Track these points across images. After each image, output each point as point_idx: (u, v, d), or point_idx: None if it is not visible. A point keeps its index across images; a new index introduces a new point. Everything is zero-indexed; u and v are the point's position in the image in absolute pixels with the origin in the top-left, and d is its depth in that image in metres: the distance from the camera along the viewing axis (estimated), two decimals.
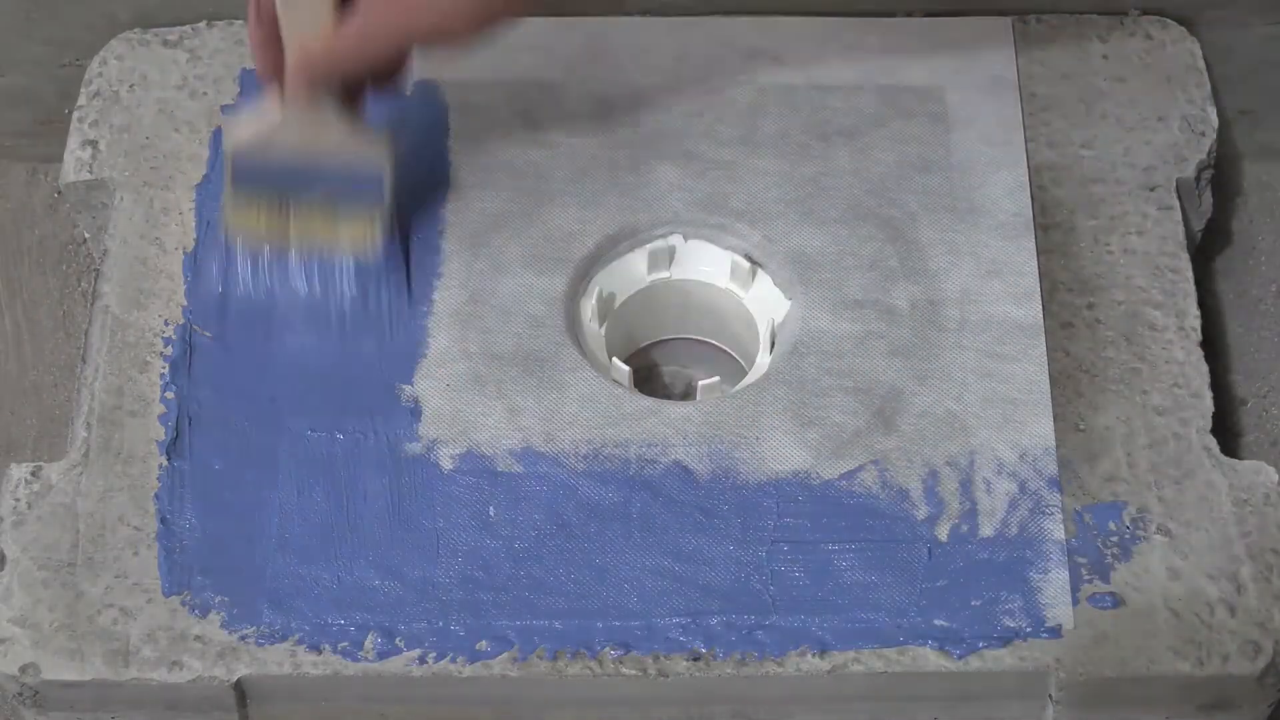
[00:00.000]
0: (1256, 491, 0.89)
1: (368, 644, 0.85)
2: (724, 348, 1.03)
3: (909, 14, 1.05)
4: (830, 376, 0.92)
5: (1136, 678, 0.84)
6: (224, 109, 1.01)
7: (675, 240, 0.98)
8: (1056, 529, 0.87)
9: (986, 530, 0.88)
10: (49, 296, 1.10)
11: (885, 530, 0.88)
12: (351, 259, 0.95)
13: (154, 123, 1.02)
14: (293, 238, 0.94)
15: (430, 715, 0.87)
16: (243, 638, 0.85)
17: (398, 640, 0.85)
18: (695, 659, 0.85)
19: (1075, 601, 0.86)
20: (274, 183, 0.93)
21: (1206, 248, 1.07)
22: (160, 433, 0.91)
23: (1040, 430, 0.90)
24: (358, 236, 0.94)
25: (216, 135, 1.00)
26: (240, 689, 0.85)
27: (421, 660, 0.85)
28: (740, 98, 1.02)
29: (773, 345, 0.96)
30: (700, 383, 0.97)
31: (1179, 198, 0.98)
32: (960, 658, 0.84)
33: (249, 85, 1.02)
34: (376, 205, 0.94)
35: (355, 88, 0.91)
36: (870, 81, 1.02)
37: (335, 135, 0.91)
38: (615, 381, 0.94)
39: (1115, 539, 0.87)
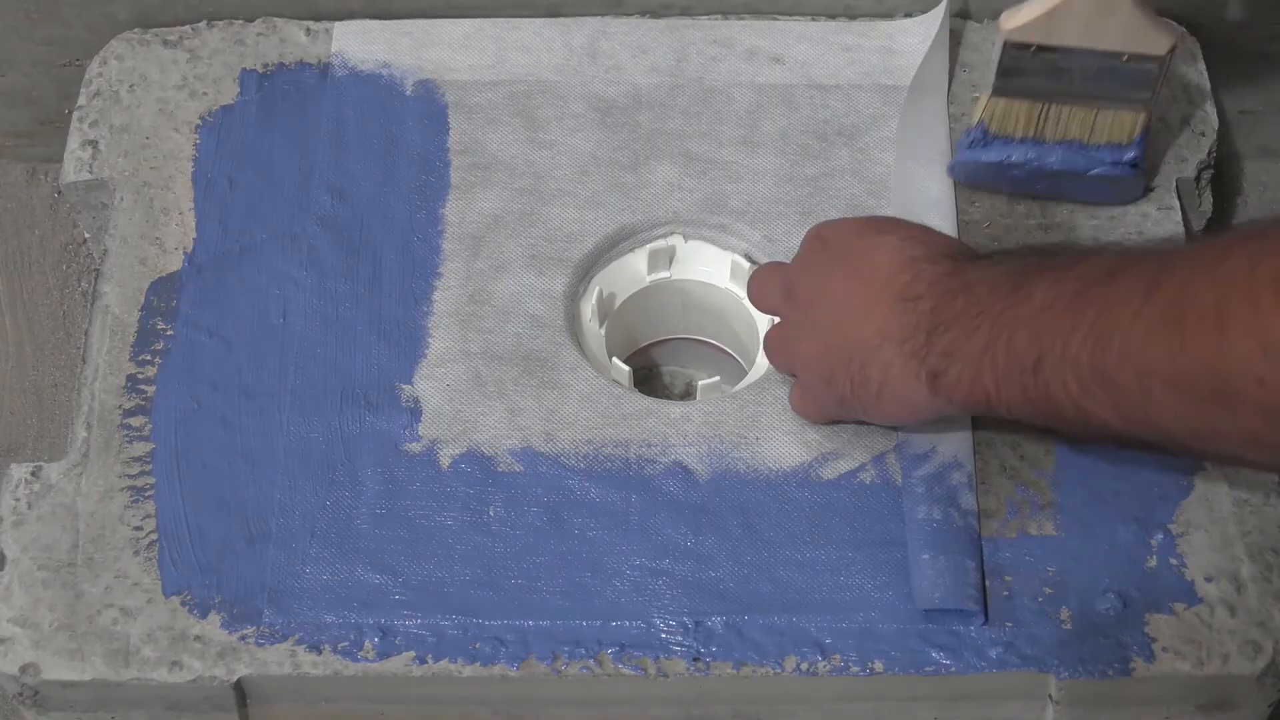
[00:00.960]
0: (1256, 491, 0.89)
1: (368, 644, 0.85)
2: (724, 348, 1.03)
3: (908, 15, 1.05)
4: None
5: (1136, 678, 0.84)
6: None
7: (675, 240, 0.98)
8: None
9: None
10: (49, 296, 1.10)
11: (885, 530, 0.88)
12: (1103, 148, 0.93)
13: (154, 123, 1.02)
14: (1046, 133, 0.93)
15: (430, 715, 0.87)
16: (243, 638, 0.85)
17: (397, 640, 0.85)
18: (695, 659, 0.85)
19: (1076, 601, 0.85)
20: (1044, 75, 0.91)
21: None
22: (160, 433, 0.91)
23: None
24: (1115, 134, 0.93)
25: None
26: (240, 689, 0.85)
27: (421, 660, 0.85)
28: (740, 98, 1.02)
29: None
30: (700, 383, 0.97)
31: (1179, 198, 0.98)
32: (960, 658, 0.84)
33: (248, 85, 1.03)
34: (1143, 102, 0.92)
35: None
36: (870, 81, 1.02)
37: (1122, 23, 0.88)
38: (615, 381, 0.94)
39: (1116, 539, 0.87)
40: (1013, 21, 0.90)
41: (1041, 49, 0.90)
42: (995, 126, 0.94)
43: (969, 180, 0.96)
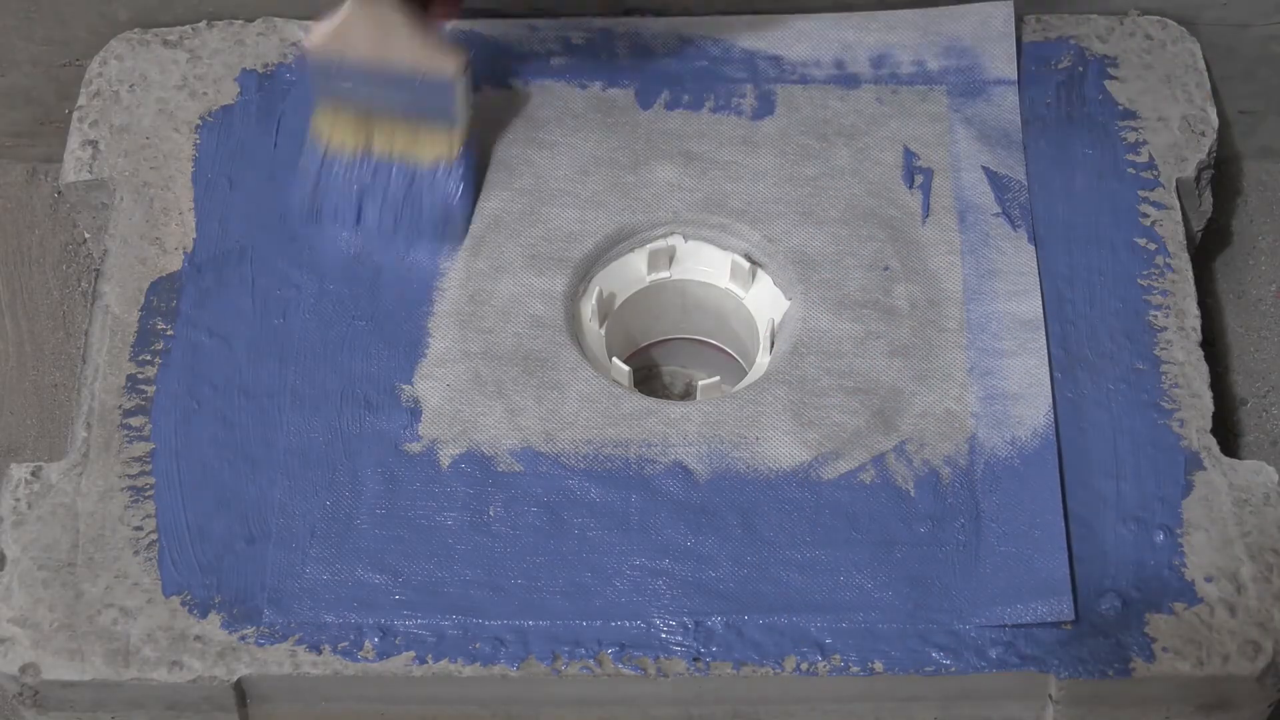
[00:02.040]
0: (1256, 491, 0.89)
1: (368, 644, 0.85)
2: (724, 348, 1.03)
3: None
4: (830, 376, 0.92)
5: (1136, 678, 0.84)
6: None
7: (675, 240, 0.98)
8: (1057, 528, 0.87)
9: (986, 530, 0.88)
10: (49, 296, 1.10)
11: (884, 530, 0.88)
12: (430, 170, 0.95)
13: (154, 123, 1.02)
14: (375, 148, 0.95)
15: (430, 715, 0.87)
16: (243, 638, 0.85)
17: (397, 640, 0.85)
18: (695, 659, 0.85)
19: (1075, 601, 0.86)
20: (348, 87, 0.93)
21: (1206, 248, 1.07)
22: (160, 433, 0.91)
23: (1041, 429, 0.90)
24: (438, 152, 0.95)
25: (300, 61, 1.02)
26: (240, 689, 0.85)
27: (421, 660, 0.85)
28: (740, 98, 1.02)
29: (773, 345, 0.96)
30: (700, 383, 0.97)
31: (1179, 198, 0.98)
32: (960, 658, 0.84)
33: (249, 85, 1.03)
34: (450, 118, 0.95)
35: None
36: (870, 81, 1.02)
37: (404, 40, 0.91)
38: (615, 381, 0.94)
39: (1115, 539, 0.87)
40: (312, 36, 0.93)
41: (339, 64, 0.93)
42: (326, 138, 0.96)
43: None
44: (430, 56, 0.92)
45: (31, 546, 0.88)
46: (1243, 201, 1.12)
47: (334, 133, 0.95)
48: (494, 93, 1.02)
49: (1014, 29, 1.02)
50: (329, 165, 0.96)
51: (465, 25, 1.05)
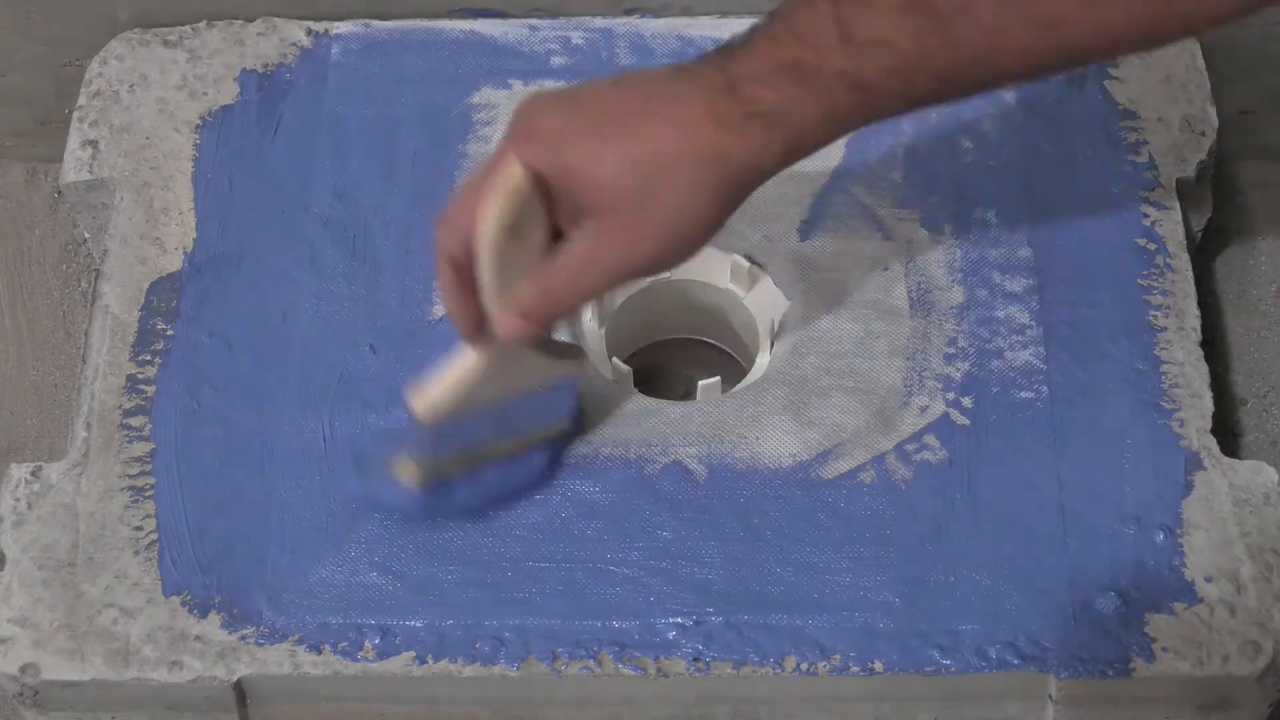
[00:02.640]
0: (1256, 491, 0.89)
1: (368, 644, 0.85)
2: (724, 348, 1.02)
3: None
4: (830, 376, 0.92)
5: (1136, 678, 0.84)
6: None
7: None
8: (1057, 528, 0.87)
9: (987, 530, 0.87)
10: (49, 296, 1.10)
11: (885, 530, 0.88)
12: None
13: (154, 123, 1.02)
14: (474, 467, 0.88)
15: (430, 715, 0.87)
16: (243, 638, 0.85)
17: (397, 640, 0.85)
18: (695, 659, 0.85)
19: (1075, 601, 0.85)
20: (469, 437, 0.86)
21: (1206, 248, 1.07)
22: (160, 433, 0.91)
23: (1041, 429, 0.90)
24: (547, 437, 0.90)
25: None
26: (240, 689, 0.85)
27: (421, 660, 0.85)
28: None
29: (773, 345, 0.96)
30: (700, 383, 0.97)
31: (1179, 198, 0.98)
32: (960, 658, 0.84)
33: (248, 85, 1.03)
34: (566, 419, 0.90)
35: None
36: None
37: (537, 371, 0.85)
38: (615, 381, 0.94)
39: (1115, 539, 0.87)
40: (422, 402, 0.84)
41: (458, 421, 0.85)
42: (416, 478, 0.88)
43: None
44: (559, 371, 0.86)
45: (31, 546, 0.88)
46: (1243, 201, 1.12)
47: (428, 475, 0.87)
48: (494, 93, 1.02)
49: None
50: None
51: (465, 25, 1.05)
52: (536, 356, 0.85)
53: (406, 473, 0.87)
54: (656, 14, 1.05)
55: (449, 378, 0.84)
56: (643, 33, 1.04)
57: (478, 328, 0.82)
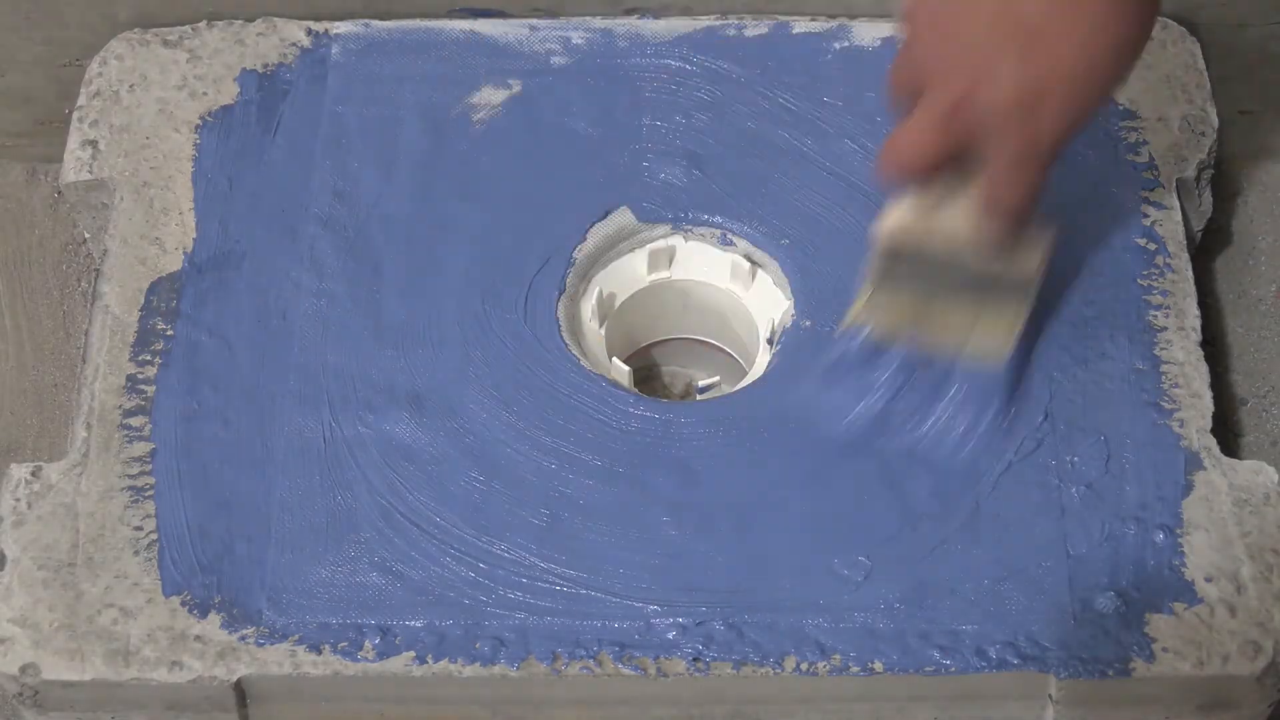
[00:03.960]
0: (1256, 491, 0.89)
1: (368, 644, 0.85)
2: (724, 348, 1.03)
3: None
4: None
5: (1136, 678, 0.84)
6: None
7: (675, 240, 0.98)
8: (1057, 528, 0.87)
9: (987, 529, 0.88)
10: (49, 296, 1.10)
11: (885, 530, 0.88)
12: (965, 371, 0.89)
13: (154, 123, 1.02)
14: (927, 334, 0.88)
15: (430, 715, 0.87)
16: (243, 638, 0.85)
17: (398, 640, 0.85)
18: (695, 659, 0.85)
19: (1076, 601, 0.86)
20: (925, 279, 0.86)
21: (1206, 248, 1.07)
22: (160, 433, 0.91)
23: (1042, 429, 0.90)
24: (990, 341, 0.88)
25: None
26: (240, 689, 0.85)
27: (421, 660, 0.85)
28: (740, 97, 1.02)
29: (773, 345, 0.96)
30: (700, 383, 0.97)
31: (1179, 198, 0.98)
32: (960, 658, 0.84)
33: (248, 85, 1.03)
34: (1021, 309, 0.88)
35: None
36: (871, 82, 1.02)
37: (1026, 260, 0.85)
38: (615, 381, 0.94)
39: (1116, 539, 0.87)
40: (893, 226, 0.84)
41: (917, 253, 0.85)
42: (871, 317, 0.87)
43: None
44: (1021, 247, 0.85)
45: (31, 546, 0.88)
46: (1243, 201, 1.12)
47: (883, 316, 0.87)
48: (494, 93, 1.02)
49: None
50: (871, 351, 0.89)
51: (465, 25, 1.05)
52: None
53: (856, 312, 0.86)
54: (656, 14, 1.05)
55: (914, 206, 0.83)
56: (643, 33, 1.04)
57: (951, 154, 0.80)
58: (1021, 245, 0.85)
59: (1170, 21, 1.04)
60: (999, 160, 0.79)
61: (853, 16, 1.05)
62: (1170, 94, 1.02)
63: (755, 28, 1.04)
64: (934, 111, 0.79)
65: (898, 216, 0.84)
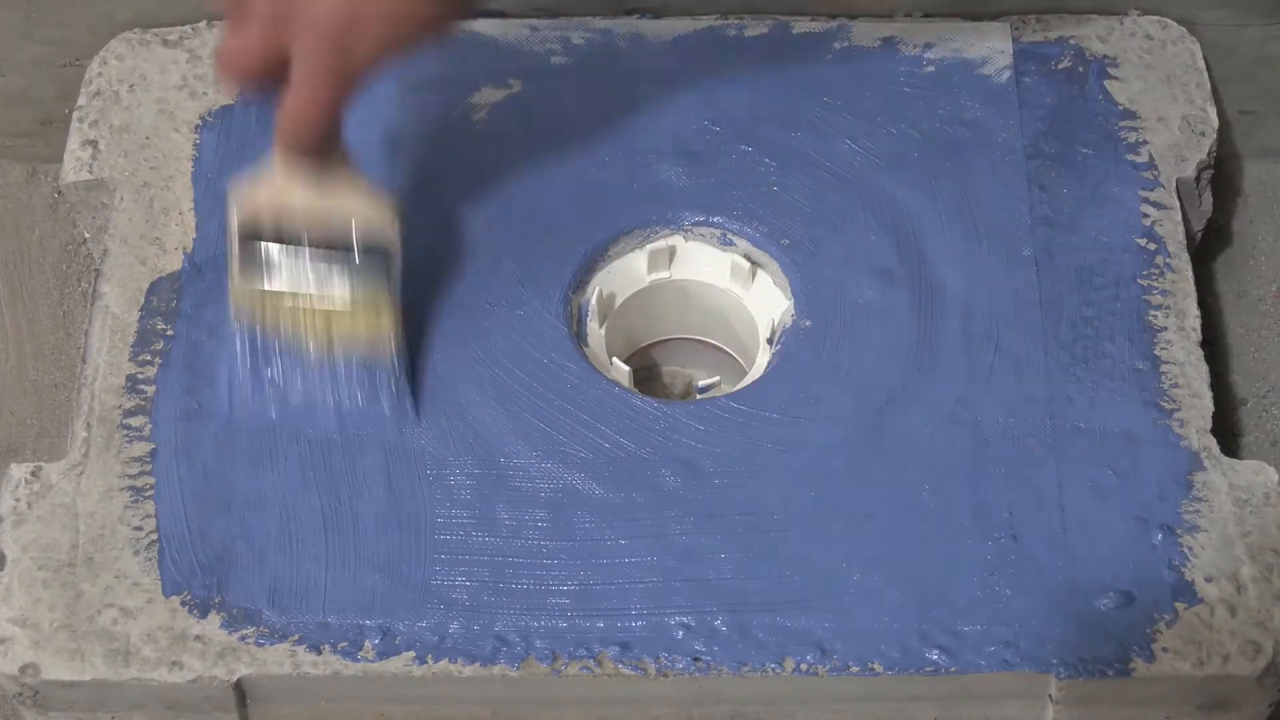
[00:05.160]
0: (1256, 491, 0.89)
1: (368, 644, 0.85)
2: (724, 348, 1.03)
3: (908, 15, 1.05)
4: (830, 377, 0.92)
5: (1136, 678, 0.84)
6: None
7: (675, 240, 0.98)
8: (1057, 528, 0.87)
9: (987, 530, 0.88)
10: (49, 296, 1.10)
11: (886, 530, 0.88)
12: (360, 364, 0.90)
13: (154, 123, 1.02)
14: (303, 331, 0.89)
15: (430, 715, 0.87)
16: (243, 638, 0.85)
17: (397, 640, 0.85)
18: (695, 659, 0.85)
19: (1076, 601, 0.86)
20: (286, 264, 0.87)
21: (1206, 248, 1.07)
22: (160, 433, 0.91)
23: (1042, 429, 0.90)
24: (370, 328, 0.89)
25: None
26: (240, 689, 0.85)
27: (421, 660, 0.85)
28: (740, 98, 1.02)
29: (773, 345, 0.96)
30: (700, 383, 0.97)
31: (1179, 198, 0.98)
32: (960, 658, 0.84)
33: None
34: (387, 285, 0.89)
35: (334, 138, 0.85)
36: (871, 82, 1.02)
37: (336, 195, 0.86)
38: (615, 381, 0.94)
39: (1116, 539, 0.87)
40: (239, 197, 0.84)
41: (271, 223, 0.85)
42: (243, 306, 0.87)
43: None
44: (366, 209, 0.86)
45: (31, 546, 0.88)
46: (1243, 201, 1.12)
47: (255, 309, 0.87)
48: (494, 93, 1.02)
49: (1010, 41, 1.03)
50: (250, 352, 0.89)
51: (465, 25, 1.05)
52: (335, 180, 0.85)
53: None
54: (656, 14, 1.05)
55: (257, 178, 0.85)
56: (643, 33, 1.04)
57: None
58: (372, 216, 0.87)
59: (1170, 22, 1.04)
60: (300, 73, 0.81)
61: (853, 16, 1.05)
62: (1170, 94, 1.02)
63: (755, 28, 1.04)
64: (259, 16, 0.81)
65: (247, 194, 0.85)
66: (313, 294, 0.88)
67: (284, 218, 0.86)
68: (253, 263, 0.87)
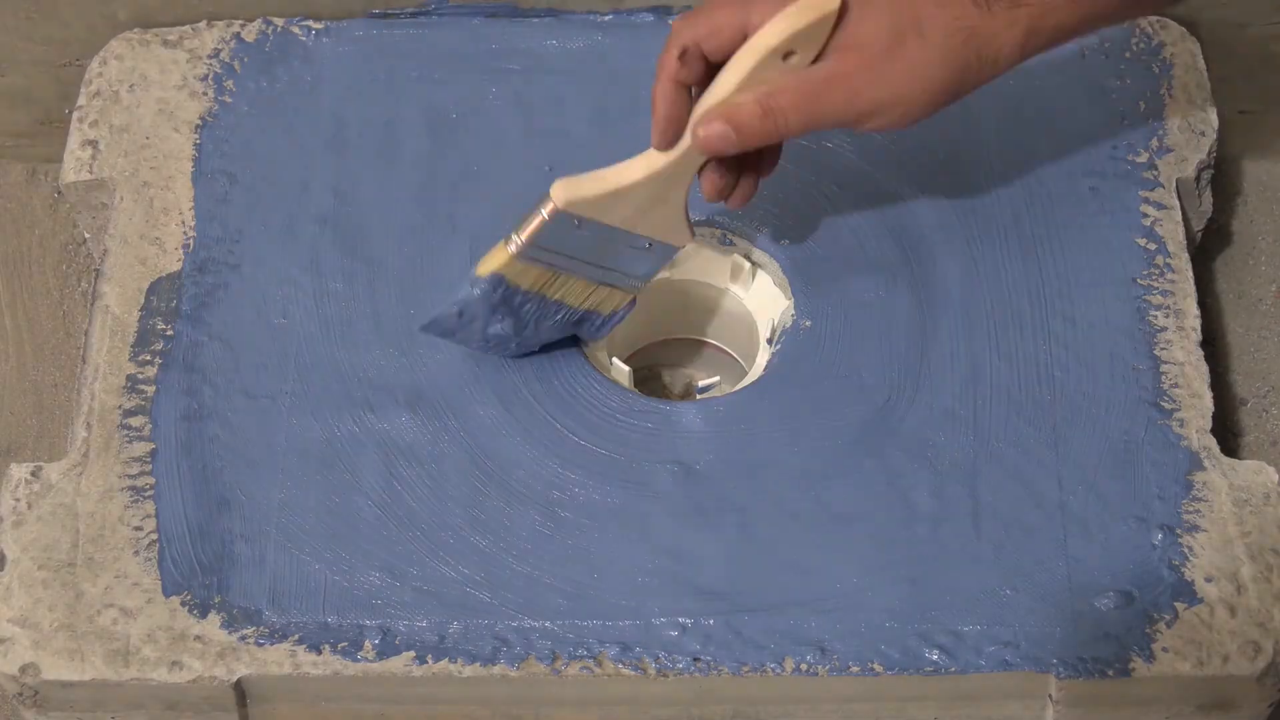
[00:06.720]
0: (1256, 491, 0.89)
1: (368, 644, 0.85)
2: (724, 348, 1.03)
3: None
4: (830, 376, 0.92)
5: (1136, 678, 0.84)
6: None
7: None
8: (1057, 528, 0.87)
9: (987, 530, 0.88)
10: (49, 296, 1.10)
11: (886, 530, 0.88)
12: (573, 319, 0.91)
13: (154, 123, 1.02)
14: (547, 297, 0.90)
15: (430, 715, 0.87)
16: (243, 638, 0.85)
17: (397, 640, 0.85)
18: (695, 659, 0.85)
19: (1076, 601, 0.86)
20: (573, 249, 0.87)
21: (1206, 248, 1.07)
22: (160, 433, 0.91)
23: (1042, 429, 0.90)
24: (600, 307, 0.91)
25: None
26: (240, 689, 0.85)
27: (421, 660, 0.85)
28: None
29: (773, 345, 0.96)
30: (700, 383, 0.97)
31: (1179, 198, 0.98)
32: (960, 658, 0.84)
33: (248, 84, 1.02)
34: (634, 291, 0.91)
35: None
36: None
37: (661, 218, 0.87)
38: (615, 381, 0.94)
39: (1116, 539, 0.87)
40: (569, 194, 0.85)
41: (585, 224, 0.86)
42: (503, 270, 0.88)
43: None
44: (676, 228, 0.88)
45: (31, 546, 0.88)
46: (1243, 201, 1.12)
47: (515, 274, 0.88)
48: (494, 93, 1.02)
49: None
50: (501, 296, 0.89)
51: (465, 24, 1.05)
52: (680, 204, 0.86)
53: (493, 261, 0.87)
54: (656, 14, 1.05)
55: (605, 175, 0.85)
56: (643, 33, 1.04)
57: (672, 130, 0.83)
58: (674, 233, 0.88)
59: (1170, 22, 1.04)
60: (781, 103, 0.81)
61: None
62: (1170, 94, 1.02)
63: None
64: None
65: (583, 187, 0.85)
66: (604, 267, 0.89)
67: (616, 200, 0.86)
68: (561, 229, 0.86)
